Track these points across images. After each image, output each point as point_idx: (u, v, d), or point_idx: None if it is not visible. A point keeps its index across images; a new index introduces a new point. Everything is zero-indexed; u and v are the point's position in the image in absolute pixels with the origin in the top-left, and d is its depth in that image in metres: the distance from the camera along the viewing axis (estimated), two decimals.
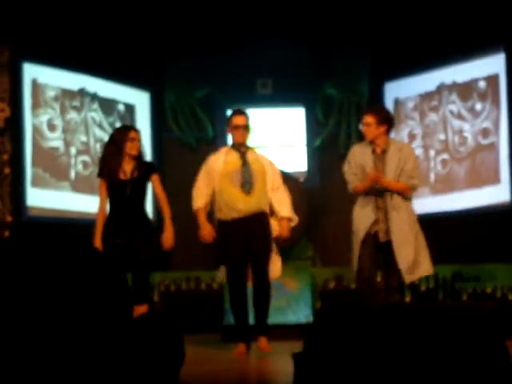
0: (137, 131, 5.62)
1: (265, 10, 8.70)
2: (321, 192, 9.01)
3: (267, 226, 5.71)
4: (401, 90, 8.94)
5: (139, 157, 5.55)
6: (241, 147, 5.75)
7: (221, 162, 5.75)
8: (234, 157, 5.74)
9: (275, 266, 5.70)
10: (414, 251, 5.49)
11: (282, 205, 5.73)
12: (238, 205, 5.61)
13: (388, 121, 5.70)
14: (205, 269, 7.63)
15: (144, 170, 5.52)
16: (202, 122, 9.20)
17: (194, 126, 9.20)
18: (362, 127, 5.76)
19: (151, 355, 2.17)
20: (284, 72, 9.11)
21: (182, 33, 8.89)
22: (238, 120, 5.73)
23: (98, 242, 5.36)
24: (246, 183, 5.64)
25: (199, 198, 5.73)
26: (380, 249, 5.55)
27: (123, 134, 5.55)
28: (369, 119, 5.65)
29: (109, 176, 5.46)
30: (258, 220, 5.66)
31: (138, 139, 5.54)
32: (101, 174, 5.54)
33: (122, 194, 5.41)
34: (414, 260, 5.49)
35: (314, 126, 9.38)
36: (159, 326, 2.36)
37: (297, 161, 9.29)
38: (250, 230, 5.62)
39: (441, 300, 7.12)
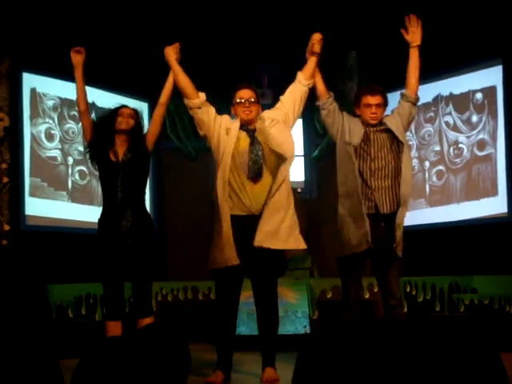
0: (130, 108, 5.17)
1: (265, 21, 8.74)
2: (318, 203, 9.04)
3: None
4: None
5: (133, 134, 5.02)
6: (248, 125, 4.86)
7: (236, 130, 4.83)
8: (243, 137, 4.84)
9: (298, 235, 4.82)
10: None
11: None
12: (243, 198, 4.74)
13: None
14: (202, 279, 7.63)
15: (139, 146, 4.98)
16: None
17: (192, 136, 9.23)
18: (365, 109, 4.95)
19: (160, 364, 2.19)
20: (283, 83, 9.13)
21: (181, 42, 8.91)
22: (241, 94, 4.91)
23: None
24: (254, 169, 4.75)
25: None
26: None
27: (113, 110, 5.14)
28: (381, 99, 5.01)
29: (97, 152, 5.00)
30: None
31: (129, 115, 5.07)
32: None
33: (114, 179, 4.92)
34: None
35: (311, 137, 9.41)
36: (165, 334, 2.38)
37: (294, 171, 9.30)
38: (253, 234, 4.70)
39: (438, 311, 7.12)
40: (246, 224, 4.74)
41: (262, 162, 4.76)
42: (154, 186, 8.92)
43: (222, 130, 4.87)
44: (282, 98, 5.13)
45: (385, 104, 5.11)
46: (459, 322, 6.78)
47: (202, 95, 5.07)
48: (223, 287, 4.84)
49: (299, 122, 9.49)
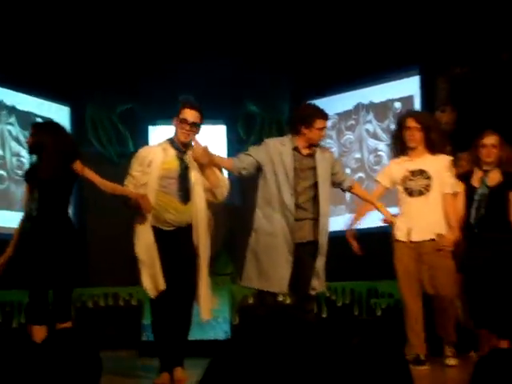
0: None
1: (188, 26, 8.75)
2: (240, 209, 9.07)
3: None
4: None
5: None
6: (181, 145, 5.01)
7: (160, 155, 4.99)
8: (172, 156, 5.03)
9: (207, 304, 5.02)
10: None
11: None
12: (169, 216, 4.92)
13: None
14: (123, 285, 7.59)
15: (64, 165, 4.99)
16: (123, 136, 9.18)
17: (114, 141, 9.17)
18: (317, 131, 5.21)
19: (68, 369, 2.18)
20: (206, 89, 9.16)
21: (104, 47, 8.85)
22: (188, 114, 4.99)
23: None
24: (182, 192, 4.94)
25: (130, 185, 5.01)
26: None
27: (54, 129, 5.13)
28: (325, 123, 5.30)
29: (30, 176, 5.06)
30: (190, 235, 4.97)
31: None
32: (26, 177, 5.16)
33: (38, 194, 4.98)
34: None
35: (235, 143, 9.45)
36: (75, 340, 2.37)
37: None
38: (178, 246, 4.96)
39: (357, 315, 7.26)
40: (171, 236, 4.93)
41: (190, 186, 4.94)
42: (75, 190, 8.81)
43: (145, 168, 4.98)
44: None
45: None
46: (376, 326, 6.92)
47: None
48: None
49: (222, 128, 9.53)
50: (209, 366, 1.53)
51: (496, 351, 1.69)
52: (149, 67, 8.94)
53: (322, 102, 9.22)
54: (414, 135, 5.57)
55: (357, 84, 8.71)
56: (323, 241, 5.23)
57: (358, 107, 8.80)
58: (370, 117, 8.69)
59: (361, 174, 8.73)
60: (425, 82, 8.04)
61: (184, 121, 4.93)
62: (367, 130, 8.72)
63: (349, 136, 8.91)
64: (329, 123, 9.05)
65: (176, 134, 5.03)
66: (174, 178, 4.95)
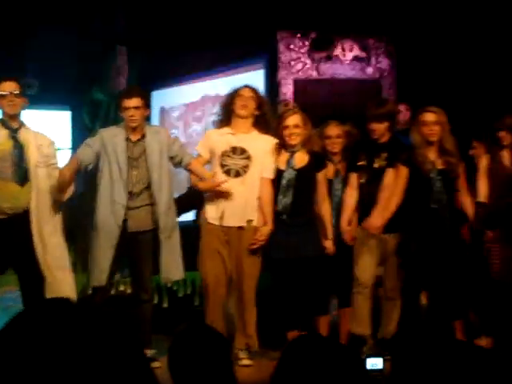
0: None
1: (33, 5, 8.49)
2: (84, 197, 8.89)
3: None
4: (166, 99, 9.10)
5: None
6: (12, 121, 4.82)
7: None
8: (3, 135, 4.80)
9: (67, 282, 4.96)
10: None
11: None
12: (6, 204, 4.70)
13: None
14: None
15: None
16: None
17: None
18: (123, 112, 5.05)
19: None
20: (51, 73, 8.93)
21: None
22: (4, 87, 4.77)
23: None
24: (19, 174, 4.73)
25: None
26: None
27: None
28: (139, 102, 5.01)
29: None
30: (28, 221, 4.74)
31: None
32: None
33: None
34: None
35: (80, 130, 9.27)
36: None
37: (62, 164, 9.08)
38: (15, 234, 4.77)
39: (197, 305, 7.31)
40: (4, 226, 4.74)
41: (28, 166, 4.75)
42: None
43: None
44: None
45: (146, 105, 5.16)
46: None
47: None
48: None
49: (67, 114, 9.32)
50: None
51: (300, 338, 1.75)
52: None
53: (169, 92, 9.25)
54: (247, 103, 5.24)
55: (204, 75, 8.76)
56: (165, 225, 5.10)
57: (205, 99, 8.85)
58: (216, 109, 8.74)
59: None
60: (269, 76, 8.19)
61: (3, 95, 4.73)
62: (213, 122, 8.77)
63: (195, 127, 8.94)
64: (176, 113, 9.10)
65: (3, 112, 4.84)
66: (9, 160, 4.74)
